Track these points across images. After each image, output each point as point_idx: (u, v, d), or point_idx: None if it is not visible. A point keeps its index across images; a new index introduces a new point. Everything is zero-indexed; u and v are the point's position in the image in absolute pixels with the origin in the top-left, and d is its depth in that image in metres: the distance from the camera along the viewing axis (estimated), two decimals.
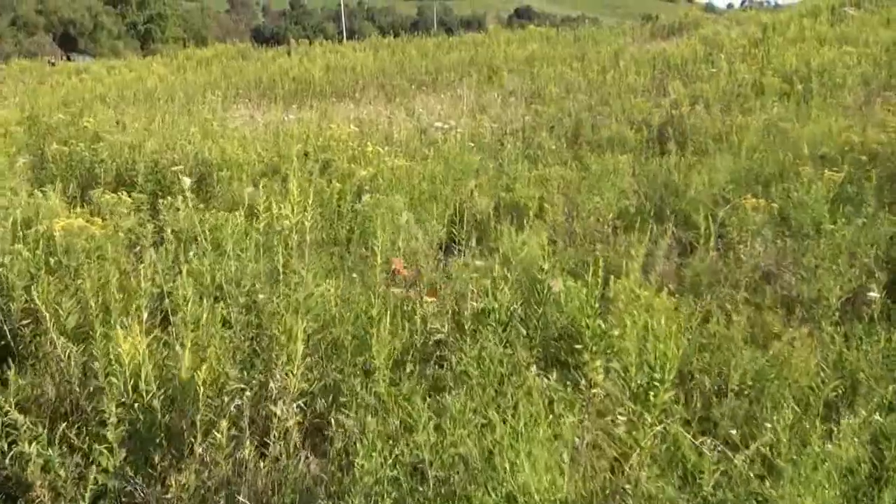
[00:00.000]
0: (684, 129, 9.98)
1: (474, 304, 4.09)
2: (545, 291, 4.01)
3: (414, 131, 11.62)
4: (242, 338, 4.15)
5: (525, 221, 6.73)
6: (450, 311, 4.40)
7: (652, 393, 2.90)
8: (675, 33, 24.64)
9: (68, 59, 43.42)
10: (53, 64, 36.65)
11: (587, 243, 6.20)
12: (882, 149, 7.73)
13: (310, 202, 4.74)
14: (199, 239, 5.02)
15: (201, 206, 5.95)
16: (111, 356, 3.45)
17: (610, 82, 15.85)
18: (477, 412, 3.19)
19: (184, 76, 24.84)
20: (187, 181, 4.96)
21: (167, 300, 4.34)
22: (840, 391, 3.68)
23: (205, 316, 3.99)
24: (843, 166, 6.75)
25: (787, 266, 5.09)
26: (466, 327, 3.92)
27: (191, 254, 4.82)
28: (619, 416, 3.05)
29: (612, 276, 4.07)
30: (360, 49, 27.84)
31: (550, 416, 3.03)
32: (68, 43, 65.93)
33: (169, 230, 5.09)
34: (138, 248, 5.39)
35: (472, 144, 9.80)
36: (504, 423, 2.84)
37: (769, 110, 10.75)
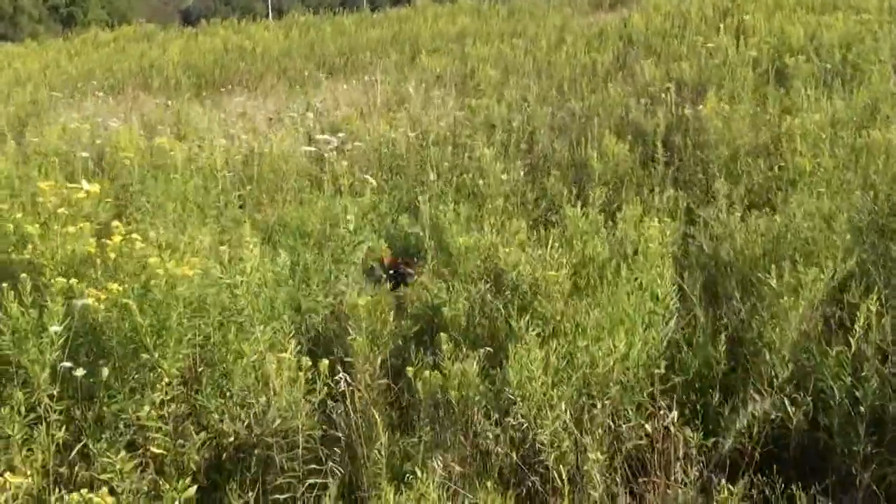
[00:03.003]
0: (705, 137, 5.92)
1: None
2: None
3: (296, 145, 7.38)
4: None
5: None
6: None
7: None
8: (621, 3, 20.52)
9: None
10: None
11: None
12: None
13: None
14: None
15: None
16: None
17: (561, 63, 11.74)
18: None
19: (70, 63, 20.26)
20: None
21: None
22: None
23: None
24: None
25: None
26: None
27: None
28: None
29: None
30: (274, 28, 23.22)
31: None
32: None
33: None
34: None
35: (373, 183, 5.61)
36: None
37: (811, 102, 6.74)
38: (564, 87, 10.16)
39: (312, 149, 6.39)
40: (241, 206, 5.95)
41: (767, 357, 3.13)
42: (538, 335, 3.06)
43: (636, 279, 3.46)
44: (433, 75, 12.12)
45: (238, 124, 9.34)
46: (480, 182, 5.64)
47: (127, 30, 29.50)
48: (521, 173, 5.90)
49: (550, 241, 3.65)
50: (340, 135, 7.30)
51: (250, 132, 8.62)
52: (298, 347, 3.07)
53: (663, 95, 6.71)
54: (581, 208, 4.62)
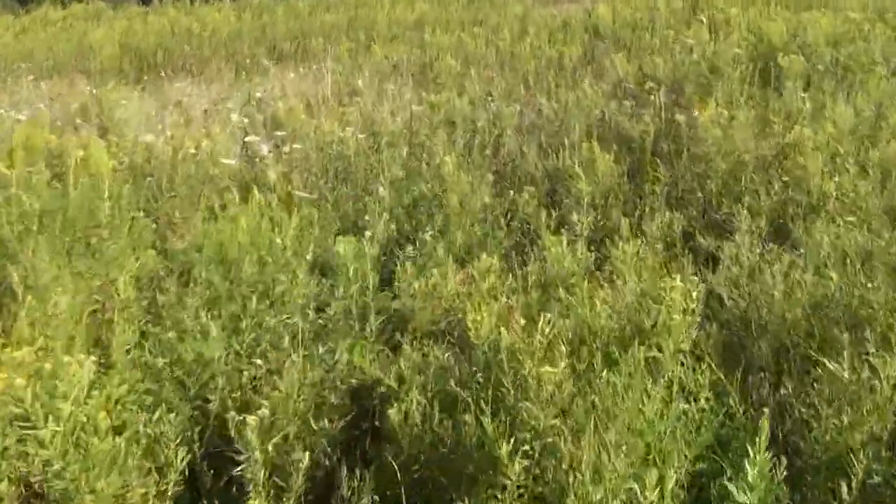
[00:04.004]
0: (703, 148, 4.91)
1: None
2: None
3: (231, 143, 6.27)
4: None
5: None
6: None
7: None
8: None
9: None
10: None
11: None
12: None
13: None
14: None
15: None
16: None
17: (526, 55, 10.70)
18: None
19: (15, 42, 18.84)
20: None
21: None
22: None
23: None
24: None
25: None
26: None
27: None
28: None
29: None
30: (226, 10, 21.81)
31: None
32: None
33: None
34: None
35: (307, 194, 4.55)
36: None
37: (814, 108, 5.78)
38: (530, 81, 9.16)
39: (233, 162, 5.25)
40: (155, 221, 4.85)
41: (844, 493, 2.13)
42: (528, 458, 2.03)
43: (654, 360, 2.45)
44: (389, 64, 11.01)
45: (172, 116, 8.19)
46: (441, 199, 4.58)
47: (77, 8, 27.84)
48: (489, 188, 4.84)
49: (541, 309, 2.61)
50: (280, 133, 6.20)
51: (184, 126, 7.48)
52: None
53: (652, 97, 5.69)
54: (562, 237, 3.62)
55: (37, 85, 11.20)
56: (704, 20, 10.67)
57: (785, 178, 4.72)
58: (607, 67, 9.35)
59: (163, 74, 12.16)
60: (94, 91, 8.71)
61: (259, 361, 2.66)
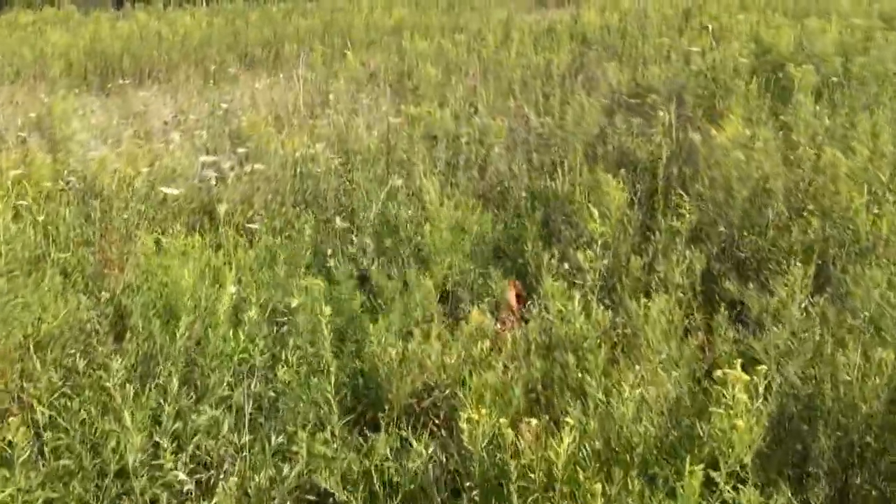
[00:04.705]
0: (725, 173, 4.27)
1: None
2: None
3: (188, 161, 5.58)
4: None
5: None
6: None
7: None
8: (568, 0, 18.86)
9: None
10: None
11: None
12: None
13: None
14: None
15: None
16: None
17: (512, 63, 10.06)
18: None
19: None
20: None
21: None
22: None
23: None
24: None
25: None
26: None
27: None
28: None
29: None
30: (199, 15, 21.08)
31: None
32: None
33: None
34: None
35: (263, 225, 3.88)
36: None
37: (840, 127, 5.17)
38: (516, 91, 8.53)
39: (178, 191, 4.57)
40: (94, 254, 4.19)
41: None
42: None
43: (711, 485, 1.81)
44: (366, 72, 10.34)
45: (132, 127, 7.50)
46: (425, 230, 3.92)
47: (48, 12, 27.05)
48: (472, 205, 4.20)
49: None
50: (243, 150, 5.53)
51: (142, 139, 6.80)
52: None
53: (660, 112, 5.03)
54: (568, 289, 2.98)
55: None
56: (710, 27, 10.05)
57: (811, 207, 4.12)
58: (598, 77, 8.77)
59: (127, 81, 11.42)
60: (47, 100, 7.99)
61: (182, 476, 1.99)
